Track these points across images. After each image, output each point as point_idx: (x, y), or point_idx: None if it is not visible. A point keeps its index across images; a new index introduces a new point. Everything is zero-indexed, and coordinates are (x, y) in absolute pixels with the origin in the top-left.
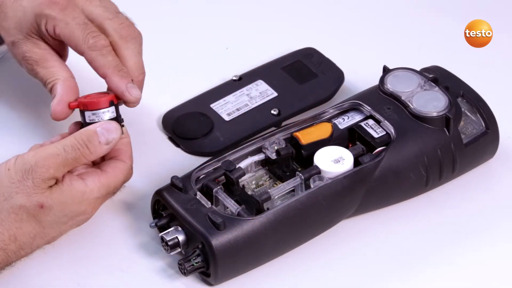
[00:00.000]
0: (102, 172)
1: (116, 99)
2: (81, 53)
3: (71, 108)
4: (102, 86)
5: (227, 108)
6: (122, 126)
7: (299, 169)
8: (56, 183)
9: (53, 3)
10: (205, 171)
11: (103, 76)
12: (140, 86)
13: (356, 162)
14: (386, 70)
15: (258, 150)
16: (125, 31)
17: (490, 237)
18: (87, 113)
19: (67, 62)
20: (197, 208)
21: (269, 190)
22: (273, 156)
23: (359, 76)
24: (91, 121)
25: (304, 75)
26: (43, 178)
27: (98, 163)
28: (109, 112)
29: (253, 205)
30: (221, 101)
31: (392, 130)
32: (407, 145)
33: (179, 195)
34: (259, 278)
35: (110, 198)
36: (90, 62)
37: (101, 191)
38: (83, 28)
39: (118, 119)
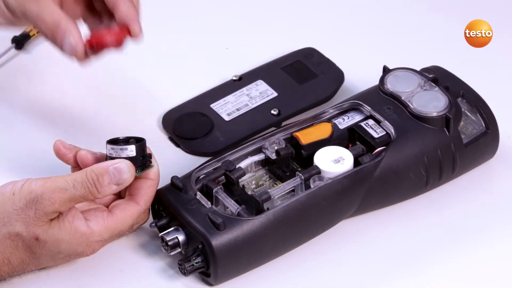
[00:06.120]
0: (109, 215)
1: (126, 33)
2: None
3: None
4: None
5: (227, 108)
6: (147, 167)
7: (299, 169)
8: (58, 216)
9: None
10: (205, 171)
11: (113, 5)
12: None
13: (356, 162)
14: (386, 70)
15: (258, 150)
16: None
17: (490, 237)
18: (107, 146)
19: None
20: (197, 208)
21: (269, 190)
22: (273, 156)
23: (359, 76)
24: (110, 155)
25: (304, 75)
26: (46, 212)
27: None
28: (127, 150)
29: (253, 205)
30: (221, 101)
31: (392, 130)
32: (407, 145)
33: (179, 195)
34: (259, 278)
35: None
36: None
37: (103, 235)
38: None
39: (136, 158)
